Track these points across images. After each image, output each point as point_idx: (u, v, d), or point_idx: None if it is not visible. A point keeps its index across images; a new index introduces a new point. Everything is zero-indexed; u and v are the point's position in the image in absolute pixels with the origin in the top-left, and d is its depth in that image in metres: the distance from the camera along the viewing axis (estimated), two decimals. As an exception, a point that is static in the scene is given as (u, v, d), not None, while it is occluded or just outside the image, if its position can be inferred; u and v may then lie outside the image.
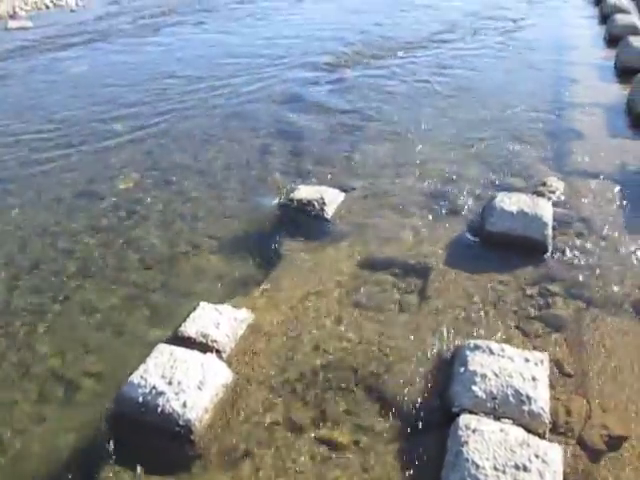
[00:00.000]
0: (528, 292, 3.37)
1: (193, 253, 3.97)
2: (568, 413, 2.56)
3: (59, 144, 5.80)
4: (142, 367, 2.70)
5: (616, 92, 6.48)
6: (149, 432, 2.51)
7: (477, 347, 2.74)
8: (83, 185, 4.95)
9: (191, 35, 10.00)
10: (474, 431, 2.29)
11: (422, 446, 2.46)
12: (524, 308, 3.25)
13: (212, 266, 3.83)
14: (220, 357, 2.86)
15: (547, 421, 2.42)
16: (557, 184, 4.44)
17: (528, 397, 2.47)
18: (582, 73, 7.22)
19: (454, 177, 4.73)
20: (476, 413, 2.42)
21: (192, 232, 4.20)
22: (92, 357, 3.13)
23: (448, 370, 2.75)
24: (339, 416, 2.62)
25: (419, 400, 2.67)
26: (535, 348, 2.91)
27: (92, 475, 2.43)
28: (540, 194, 4.25)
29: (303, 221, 4.13)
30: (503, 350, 2.71)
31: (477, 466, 2.17)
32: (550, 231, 3.72)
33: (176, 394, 2.55)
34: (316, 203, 4.18)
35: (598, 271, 3.51)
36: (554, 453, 2.22)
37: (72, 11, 12.30)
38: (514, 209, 3.80)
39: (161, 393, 2.56)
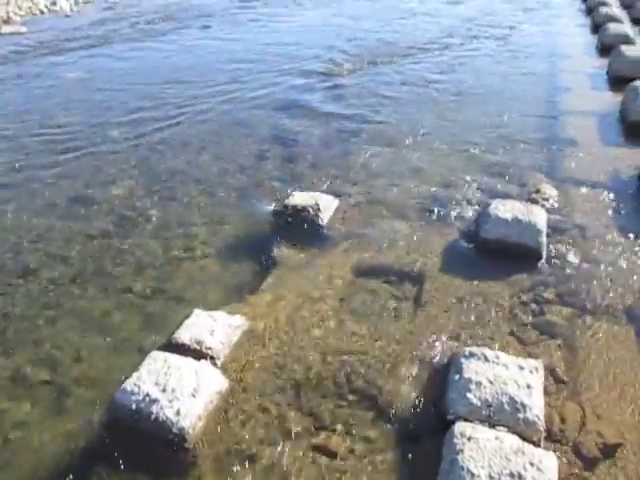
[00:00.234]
0: (522, 299, 3.38)
1: (187, 259, 3.95)
2: (563, 420, 2.57)
3: (53, 149, 5.78)
4: (135, 374, 2.68)
5: (609, 100, 6.54)
6: (142, 440, 2.49)
7: (472, 354, 2.74)
8: (78, 191, 4.93)
9: (188, 41, 10.01)
10: (469, 439, 2.29)
11: (417, 454, 2.45)
12: (518, 315, 3.25)
13: (207, 272, 3.82)
14: (214, 364, 2.85)
15: (542, 429, 2.42)
16: (551, 191, 4.46)
17: (523, 405, 2.47)
18: (575, 81, 7.29)
19: (449, 184, 4.74)
20: (471, 421, 2.42)
21: (187, 238, 4.19)
22: (85, 364, 3.10)
23: (443, 377, 2.75)
24: (334, 424, 2.61)
25: (414, 408, 2.66)
26: (530, 355, 2.91)
27: (84, 484, 2.41)
28: (534, 201, 4.28)
29: (298, 227, 4.13)
30: (498, 357, 2.72)
31: (472, 474, 2.16)
32: (544, 238, 3.74)
33: (170, 401, 2.54)
34: (311, 209, 4.18)
35: (592, 278, 3.53)
36: (549, 461, 2.22)
37: (67, 16, 12.29)
38: (508, 216, 3.81)
39: (155, 400, 2.54)
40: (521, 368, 2.66)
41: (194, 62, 8.76)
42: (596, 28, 9.77)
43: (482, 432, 2.33)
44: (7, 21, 11.64)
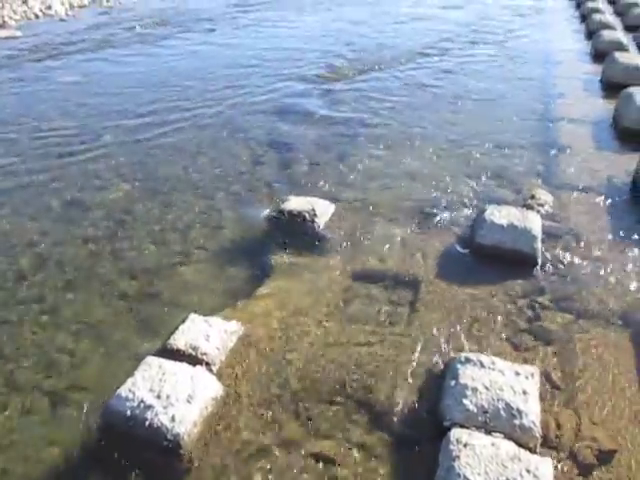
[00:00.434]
0: (518, 304, 3.38)
1: (183, 264, 3.94)
2: (558, 427, 2.57)
3: (48, 153, 5.76)
4: (130, 380, 2.66)
5: (602, 106, 6.58)
6: (137, 446, 2.47)
7: (468, 360, 2.74)
8: (72, 195, 4.91)
9: (185, 46, 10.01)
10: (465, 445, 2.28)
11: (413, 461, 2.45)
12: (514, 321, 3.26)
13: (202, 277, 3.80)
14: (210, 370, 2.84)
15: (538, 435, 2.42)
16: (546, 197, 4.48)
17: (519, 411, 2.47)
18: (570, 87, 7.34)
19: (444, 189, 4.76)
20: (467, 427, 2.41)
21: (182, 243, 4.18)
22: (79, 370, 3.08)
23: (439, 383, 2.75)
24: (330, 430, 2.60)
25: (410, 414, 2.66)
26: (525, 361, 2.92)
27: (78, 491, 2.39)
28: (529, 207, 4.29)
29: (294, 232, 4.13)
30: (494, 363, 2.72)
31: (469, 481, 2.16)
32: (539, 244, 3.75)
33: (165, 408, 2.52)
34: (307, 214, 4.17)
35: (587, 284, 3.54)
36: (545, 468, 2.22)
37: (62, 20, 12.27)
38: (504, 222, 3.83)
39: (149, 407, 2.52)
40: (517, 374, 2.66)
41: (190, 66, 8.76)
42: (590, 35, 9.85)
43: (478, 438, 2.33)
44: (2, 25, 11.60)
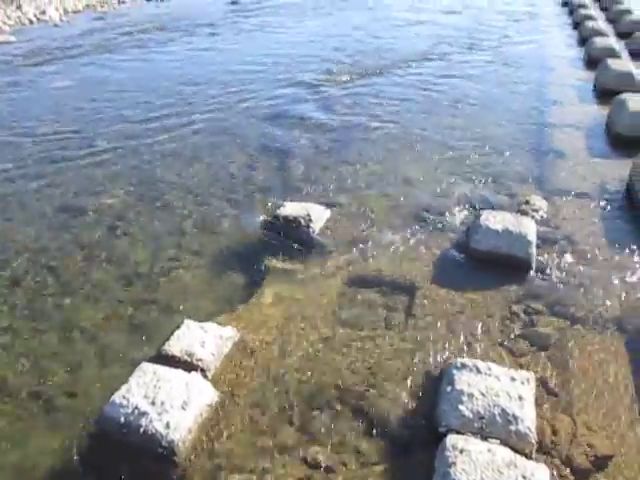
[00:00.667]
0: (513, 310, 3.39)
1: (178, 269, 3.92)
2: (554, 432, 2.56)
3: (42, 159, 5.74)
4: (124, 387, 2.64)
5: (595, 112, 6.62)
6: (131, 453, 2.45)
7: (464, 366, 2.74)
8: (66, 200, 4.89)
9: (179, 51, 10.02)
10: (461, 451, 2.28)
11: (409, 467, 2.44)
12: (509, 326, 3.26)
13: (197, 283, 3.79)
14: (205, 376, 2.82)
15: (534, 441, 2.42)
16: (540, 202, 4.50)
17: (515, 417, 2.46)
18: (564, 93, 7.38)
19: (439, 194, 4.77)
20: (463, 433, 2.41)
21: (177, 248, 4.17)
22: (73, 376, 3.06)
23: (435, 389, 2.74)
24: (325, 436, 2.59)
25: (406, 420, 2.65)
26: (521, 366, 2.92)
27: (72, 499, 2.37)
28: (524, 212, 4.31)
29: (289, 237, 4.12)
30: (490, 369, 2.71)
31: (465, 487, 2.15)
32: (534, 249, 3.76)
33: (159, 414, 2.50)
34: (302, 220, 4.17)
35: (581, 289, 3.55)
36: (541, 474, 2.22)
37: (56, 26, 12.27)
38: (499, 227, 3.83)
39: (144, 413, 2.51)
40: (513, 379, 2.66)
41: (186, 72, 8.76)
42: (583, 41, 9.92)
43: (474, 445, 2.32)
44: (-4, 30, 11.60)
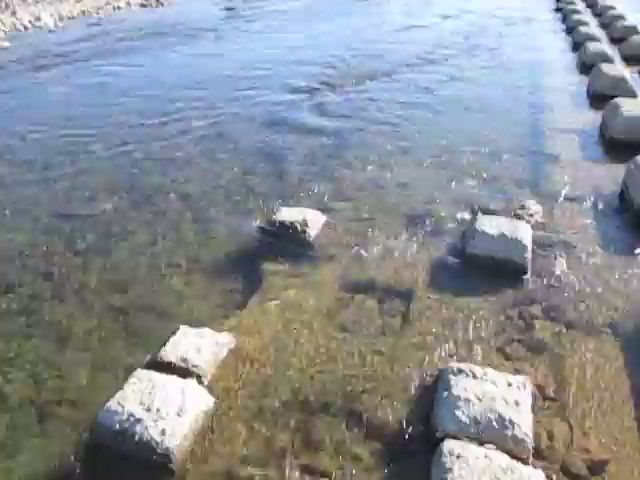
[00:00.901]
0: (509, 315, 3.38)
1: (173, 275, 3.91)
2: (551, 438, 2.56)
3: (36, 164, 5.72)
4: (119, 393, 2.63)
5: (589, 117, 6.65)
6: (126, 461, 2.43)
7: (460, 371, 2.73)
8: (60, 206, 4.87)
9: (175, 57, 10.03)
10: (458, 457, 2.27)
11: (405, 473, 2.43)
12: (505, 331, 3.26)
13: (193, 289, 3.78)
14: (201, 382, 2.80)
15: (530, 446, 2.41)
16: (535, 207, 4.51)
17: (511, 422, 2.46)
18: (558, 98, 7.43)
19: (435, 199, 4.77)
20: (460, 439, 2.40)
21: (172, 254, 4.15)
22: (67, 383, 3.04)
23: (431, 394, 2.73)
24: (322, 442, 2.58)
25: (402, 425, 2.64)
26: (517, 371, 2.91)
27: (66, 508, 2.35)
28: (519, 217, 4.31)
29: (285, 243, 4.11)
30: (486, 374, 2.71)
31: (462, 493, 2.14)
32: (530, 254, 3.76)
33: (154, 421, 2.49)
34: (298, 225, 4.16)
35: (577, 293, 3.55)
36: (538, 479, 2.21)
37: (50, 32, 12.26)
38: (495, 232, 3.84)
39: (139, 420, 2.49)
40: (509, 384, 2.65)
41: (182, 78, 8.76)
42: (576, 46, 9.99)
43: (471, 450, 2.31)
44: (-10, 36, 11.58)
